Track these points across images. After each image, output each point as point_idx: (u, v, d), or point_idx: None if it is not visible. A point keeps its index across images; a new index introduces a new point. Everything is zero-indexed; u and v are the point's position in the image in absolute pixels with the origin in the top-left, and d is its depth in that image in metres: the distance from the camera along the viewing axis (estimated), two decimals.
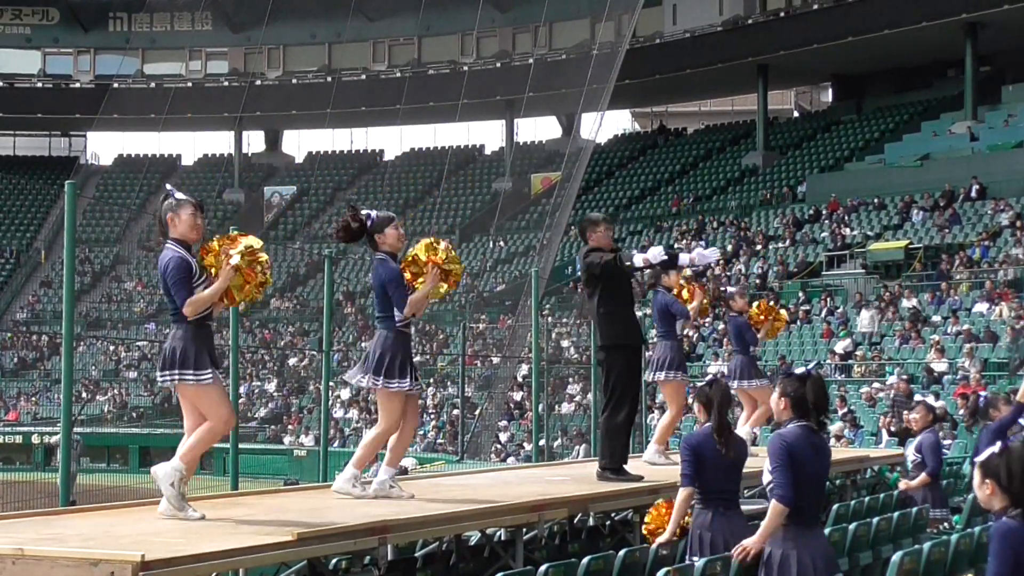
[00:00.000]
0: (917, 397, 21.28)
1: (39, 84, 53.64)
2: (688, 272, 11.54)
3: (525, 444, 26.61)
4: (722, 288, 13.34)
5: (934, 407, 11.15)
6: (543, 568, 6.19)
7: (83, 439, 22.74)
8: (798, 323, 30.00)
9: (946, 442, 18.46)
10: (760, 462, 10.75)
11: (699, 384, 7.19)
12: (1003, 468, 4.77)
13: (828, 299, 30.74)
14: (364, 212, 7.97)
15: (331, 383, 21.07)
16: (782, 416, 6.21)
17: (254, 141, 56.33)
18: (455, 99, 45.17)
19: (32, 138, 56.77)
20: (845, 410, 23.00)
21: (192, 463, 6.85)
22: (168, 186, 7.22)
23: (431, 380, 33.72)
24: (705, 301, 11.69)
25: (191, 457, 6.84)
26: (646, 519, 7.23)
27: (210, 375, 6.76)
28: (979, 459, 4.88)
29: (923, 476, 10.62)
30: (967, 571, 7.54)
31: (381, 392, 7.85)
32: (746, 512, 7.86)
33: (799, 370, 6.33)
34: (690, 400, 11.37)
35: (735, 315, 12.10)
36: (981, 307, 27.10)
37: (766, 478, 6.15)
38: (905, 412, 20.13)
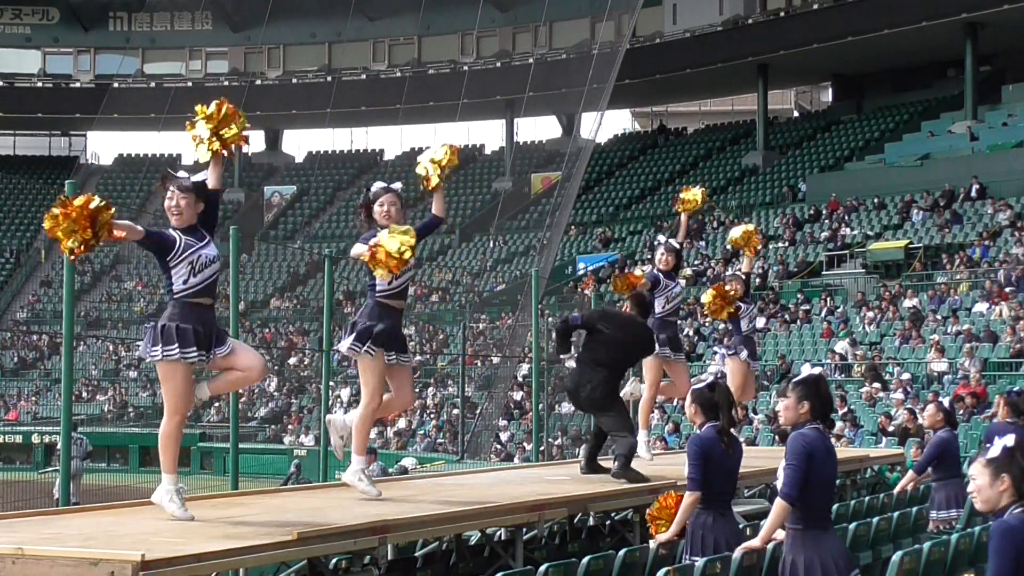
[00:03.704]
0: (928, 397, 21.32)
1: (39, 84, 53.63)
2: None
3: (526, 444, 26.61)
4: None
5: (945, 406, 11.15)
6: (543, 568, 6.19)
7: (87, 438, 22.70)
8: (798, 323, 30.00)
9: None
10: (755, 461, 10.80)
11: (697, 386, 7.12)
12: (1019, 463, 4.76)
13: (828, 299, 30.75)
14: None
15: (331, 383, 21.06)
16: (800, 419, 6.21)
17: (254, 141, 56.30)
18: (455, 99, 45.16)
19: (32, 138, 56.75)
20: (845, 410, 22.97)
21: (171, 464, 6.85)
22: (167, 171, 7.14)
23: (431, 380, 33.71)
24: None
25: (167, 461, 6.85)
26: (652, 506, 7.21)
27: (175, 352, 6.69)
28: (989, 455, 4.82)
29: (910, 474, 10.81)
30: (967, 571, 7.53)
31: (358, 361, 7.87)
32: (742, 513, 7.87)
33: (813, 371, 6.38)
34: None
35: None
36: (981, 307, 27.10)
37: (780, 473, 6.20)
38: (906, 413, 20.17)
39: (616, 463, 9.46)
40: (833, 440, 20.67)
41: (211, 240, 6.97)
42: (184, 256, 6.76)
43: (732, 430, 7.04)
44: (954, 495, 10.41)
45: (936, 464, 10.54)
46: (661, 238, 11.40)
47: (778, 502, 6.11)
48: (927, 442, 10.86)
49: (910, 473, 11.06)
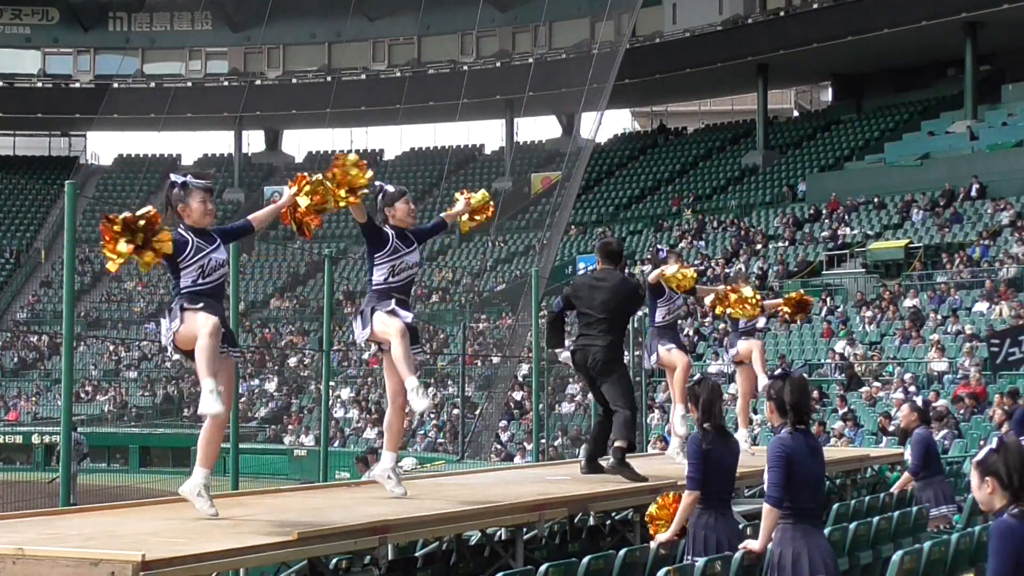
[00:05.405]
0: (930, 396, 21.33)
1: (39, 84, 53.62)
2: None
3: (526, 444, 26.60)
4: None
5: (919, 405, 11.23)
6: (543, 568, 6.19)
7: (86, 439, 22.76)
8: (798, 323, 29.96)
9: (945, 442, 18.45)
10: (757, 460, 10.78)
11: (688, 384, 7.16)
12: (1001, 465, 4.77)
13: (828, 299, 30.74)
14: (377, 184, 8.01)
15: (331, 383, 21.07)
16: (772, 420, 6.33)
17: (254, 141, 56.38)
18: (455, 99, 45.17)
19: (32, 138, 56.74)
20: (845, 410, 22.99)
21: (211, 460, 6.79)
22: (172, 175, 7.04)
23: (431, 380, 33.70)
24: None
25: (207, 456, 6.78)
26: (651, 507, 7.22)
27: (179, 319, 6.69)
28: (976, 458, 4.87)
29: (906, 476, 10.86)
30: (967, 570, 7.54)
31: (376, 319, 7.75)
32: (742, 512, 7.88)
33: (778, 371, 6.48)
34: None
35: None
36: (981, 307, 27.10)
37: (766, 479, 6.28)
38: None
39: (612, 457, 9.46)
40: (833, 440, 20.61)
41: (221, 244, 6.93)
42: (190, 260, 6.78)
43: (736, 429, 7.08)
44: (941, 492, 10.46)
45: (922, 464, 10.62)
46: (661, 247, 11.33)
47: (765, 507, 6.24)
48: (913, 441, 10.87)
49: (906, 475, 11.07)
